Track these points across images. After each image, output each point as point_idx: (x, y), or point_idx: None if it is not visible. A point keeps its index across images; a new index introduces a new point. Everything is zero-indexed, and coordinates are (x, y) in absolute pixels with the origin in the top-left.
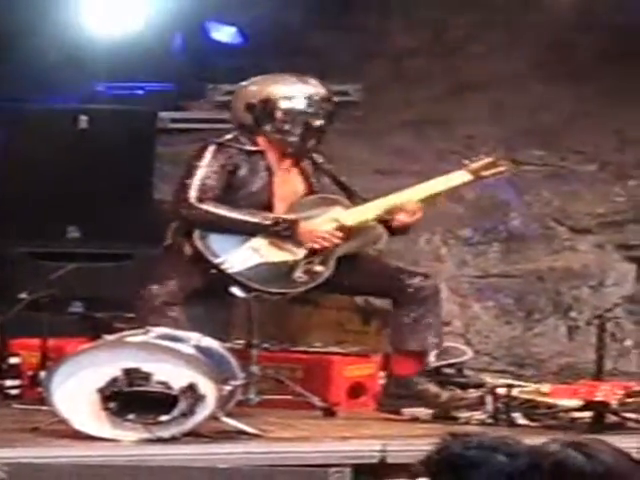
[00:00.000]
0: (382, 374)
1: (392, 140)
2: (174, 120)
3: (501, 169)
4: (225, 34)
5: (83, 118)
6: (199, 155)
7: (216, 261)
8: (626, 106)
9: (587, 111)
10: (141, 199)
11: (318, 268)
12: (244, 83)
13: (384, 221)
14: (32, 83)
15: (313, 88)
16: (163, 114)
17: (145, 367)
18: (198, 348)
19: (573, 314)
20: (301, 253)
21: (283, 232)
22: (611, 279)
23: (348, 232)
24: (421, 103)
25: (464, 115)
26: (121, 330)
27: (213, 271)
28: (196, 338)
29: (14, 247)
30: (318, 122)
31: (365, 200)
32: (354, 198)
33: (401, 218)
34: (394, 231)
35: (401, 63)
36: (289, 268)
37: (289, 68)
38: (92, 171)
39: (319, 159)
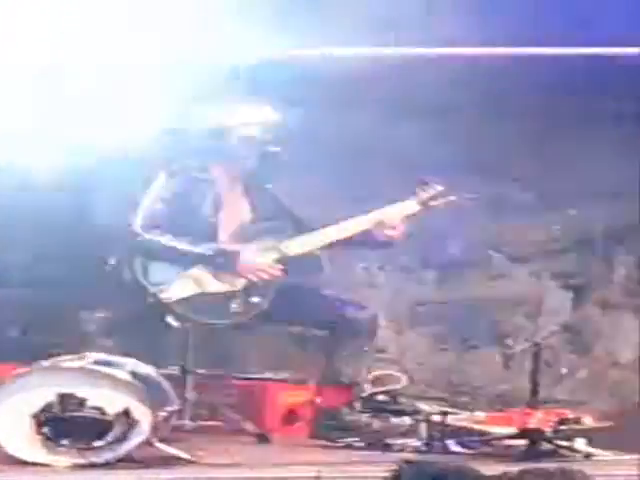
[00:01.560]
0: (318, 400)
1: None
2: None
3: (451, 199)
4: None
5: None
6: (150, 182)
7: (153, 290)
8: (562, 136)
9: (525, 140)
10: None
11: (255, 299)
12: (199, 108)
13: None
14: None
15: (269, 115)
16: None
17: (80, 392)
18: (133, 374)
19: (509, 341)
20: (240, 284)
21: (224, 263)
22: (547, 307)
23: (290, 262)
24: (362, 128)
25: (405, 141)
26: (56, 355)
27: (150, 300)
28: (131, 364)
29: None
30: (273, 150)
31: (311, 229)
32: (301, 227)
33: (388, 232)
34: (378, 245)
35: (338, 86)
36: (226, 299)
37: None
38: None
39: (268, 185)
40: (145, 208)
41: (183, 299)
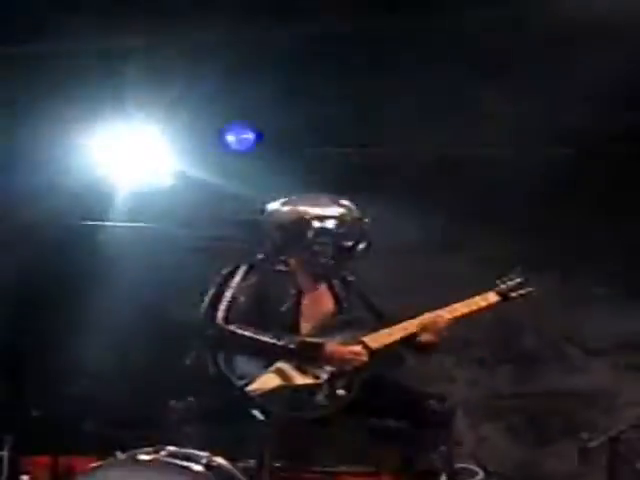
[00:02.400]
0: None
1: (410, 260)
2: (191, 238)
3: (530, 290)
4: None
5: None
6: (230, 275)
7: (239, 383)
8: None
9: (597, 230)
10: (159, 316)
11: (341, 392)
12: (276, 202)
13: (408, 340)
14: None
15: (344, 209)
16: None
17: None
18: (208, 467)
19: (584, 435)
20: (324, 376)
21: (309, 355)
22: (624, 400)
23: (373, 354)
24: (437, 224)
25: (481, 237)
26: (132, 448)
27: (236, 393)
28: (206, 457)
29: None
30: (349, 243)
31: (391, 322)
32: (382, 319)
33: (427, 337)
34: (420, 349)
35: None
36: (312, 391)
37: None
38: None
39: (350, 278)
40: (227, 301)
41: (268, 392)
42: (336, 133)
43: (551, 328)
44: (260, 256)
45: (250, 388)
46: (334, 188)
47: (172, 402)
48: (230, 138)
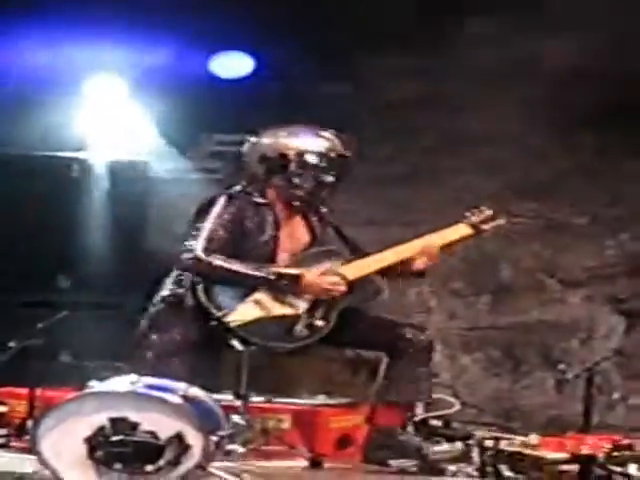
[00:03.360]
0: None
1: (383, 191)
2: (167, 169)
3: (500, 222)
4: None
5: (75, 167)
6: (208, 206)
7: (218, 314)
8: (617, 160)
9: (578, 165)
10: (132, 249)
11: (319, 322)
12: (259, 135)
13: (399, 265)
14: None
15: (328, 143)
16: (156, 163)
17: (132, 417)
18: (185, 398)
19: (561, 367)
20: (303, 307)
21: (287, 286)
22: (600, 332)
23: (350, 286)
24: (413, 155)
25: (456, 167)
26: (108, 379)
27: (214, 323)
28: (183, 388)
29: (3, 295)
30: (329, 178)
31: (367, 254)
32: (357, 251)
33: (420, 263)
34: (411, 275)
35: (394, 115)
36: (290, 322)
37: (278, 119)
38: (84, 220)
39: (324, 211)
40: (207, 232)
41: (248, 322)
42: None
43: (528, 260)
44: (238, 187)
45: (229, 319)
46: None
47: (154, 337)
48: (220, 67)
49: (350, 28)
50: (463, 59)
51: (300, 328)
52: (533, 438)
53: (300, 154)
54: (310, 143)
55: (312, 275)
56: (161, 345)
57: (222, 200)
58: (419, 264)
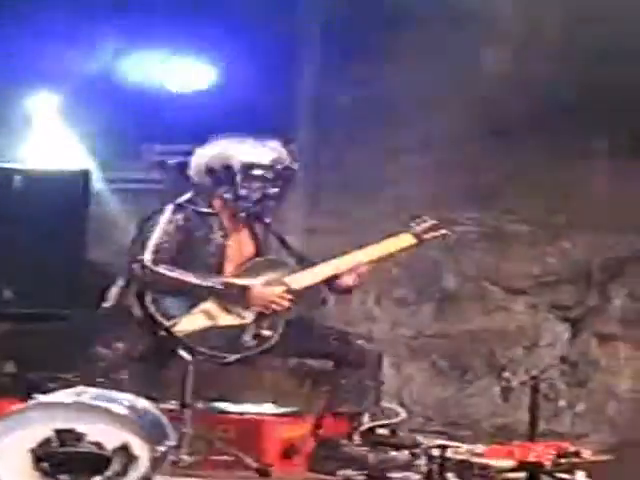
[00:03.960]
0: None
1: (324, 201)
2: (108, 180)
3: (443, 232)
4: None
5: (17, 178)
6: (155, 216)
7: (167, 324)
8: (559, 166)
9: (520, 173)
10: (75, 260)
11: (266, 332)
12: (205, 145)
13: (327, 282)
14: None
15: (274, 154)
16: (97, 174)
17: (78, 428)
18: (131, 408)
19: (507, 374)
20: (250, 317)
21: (234, 296)
22: (545, 340)
23: (295, 295)
24: (354, 164)
25: (395, 176)
26: (54, 391)
27: (162, 333)
28: (129, 399)
29: None
30: (275, 190)
31: (312, 263)
32: (301, 261)
33: (345, 280)
34: (338, 291)
35: (333, 124)
36: (238, 332)
37: (224, 127)
38: (26, 231)
39: (268, 221)
40: (154, 242)
41: (195, 332)
42: None
43: (471, 268)
44: (185, 197)
45: (177, 328)
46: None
47: (101, 349)
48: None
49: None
50: (401, 65)
51: (247, 338)
52: (478, 448)
53: (245, 166)
54: (256, 155)
55: (259, 287)
56: (109, 357)
57: (169, 210)
58: (347, 280)
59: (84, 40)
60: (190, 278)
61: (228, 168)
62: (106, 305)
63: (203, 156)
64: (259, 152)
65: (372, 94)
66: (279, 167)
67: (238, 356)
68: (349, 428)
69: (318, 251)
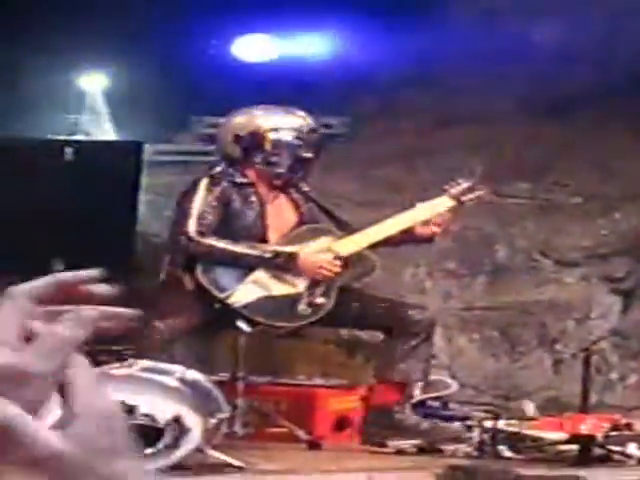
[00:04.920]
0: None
1: (377, 172)
2: (159, 152)
3: (480, 193)
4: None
5: (68, 150)
6: (193, 188)
7: (221, 296)
8: (610, 139)
9: (572, 144)
10: (126, 231)
11: (320, 300)
12: (231, 115)
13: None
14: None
15: (301, 120)
16: (148, 146)
17: (130, 400)
18: (183, 381)
19: (558, 347)
20: (302, 285)
21: (284, 264)
22: (596, 312)
23: (344, 262)
24: (407, 135)
25: (450, 147)
26: (105, 363)
27: (218, 306)
28: (181, 371)
29: None
30: (306, 154)
31: (356, 229)
32: (344, 228)
33: (431, 229)
34: (420, 240)
35: (387, 95)
36: (292, 301)
37: (275, 101)
38: (77, 203)
39: (306, 189)
40: (195, 214)
41: (251, 303)
42: None
43: (523, 240)
44: (219, 169)
45: (232, 300)
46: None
47: (159, 323)
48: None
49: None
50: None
51: (302, 307)
52: (526, 404)
53: (274, 132)
54: (283, 121)
55: (307, 253)
56: (162, 330)
57: (204, 182)
58: (426, 229)
59: (135, 12)
60: (238, 248)
61: (256, 136)
62: (160, 278)
63: (231, 126)
64: (286, 119)
65: (425, 65)
66: (306, 131)
67: (295, 324)
68: (400, 400)
69: (369, 223)
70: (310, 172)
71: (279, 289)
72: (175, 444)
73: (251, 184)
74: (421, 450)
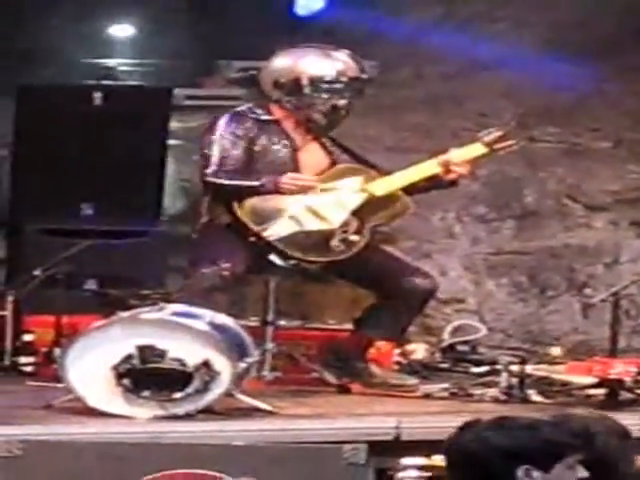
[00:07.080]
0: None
1: (405, 117)
2: (188, 97)
3: (512, 142)
4: None
5: (97, 95)
6: (212, 128)
7: (257, 229)
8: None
9: (602, 89)
10: (155, 176)
11: (354, 237)
12: (272, 58)
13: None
14: (47, 59)
15: (342, 65)
16: (177, 91)
17: (160, 344)
18: (213, 325)
19: (587, 291)
20: (337, 222)
21: (270, 189)
22: (626, 256)
23: (378, 202)
24: (434, 80)
25: (477, 93)
26: (135, 307)
27: (252, 239)
28: (210, 315)
29: (28, 224)
30: (343, 101)
31: (389, 172)
32: (377, 170)
33: (459, 170)
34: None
35: (414, 40)
36: (326, 237)
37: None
38: (106, 148)
39: (335, 136)
40: (215, 154)
41: (285, 237)
42: None
43: (551, 184)
44: (243, 107)
45: (267, 233)
46: None
47: (206, 270)
48: None
49: None
50: None
51: (336, 243)
52: (555, 350)
53: (312, 79)
54: (323, 66)
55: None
56: (213, 279)
57: (224, 119)
58: (451, 175)
59: None
60: (237, 182)
61: (296, 81)
62: (201, 221)
63: (271, 70)
64: (326, 64)
65: (455, 11)
66: (346, 77)
67: (327, 259)
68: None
69: (399, 168)
70: (346, 118)
71: (314, 224)
72: (204, 388)
73: (276, 121)
74: (450, 393)
